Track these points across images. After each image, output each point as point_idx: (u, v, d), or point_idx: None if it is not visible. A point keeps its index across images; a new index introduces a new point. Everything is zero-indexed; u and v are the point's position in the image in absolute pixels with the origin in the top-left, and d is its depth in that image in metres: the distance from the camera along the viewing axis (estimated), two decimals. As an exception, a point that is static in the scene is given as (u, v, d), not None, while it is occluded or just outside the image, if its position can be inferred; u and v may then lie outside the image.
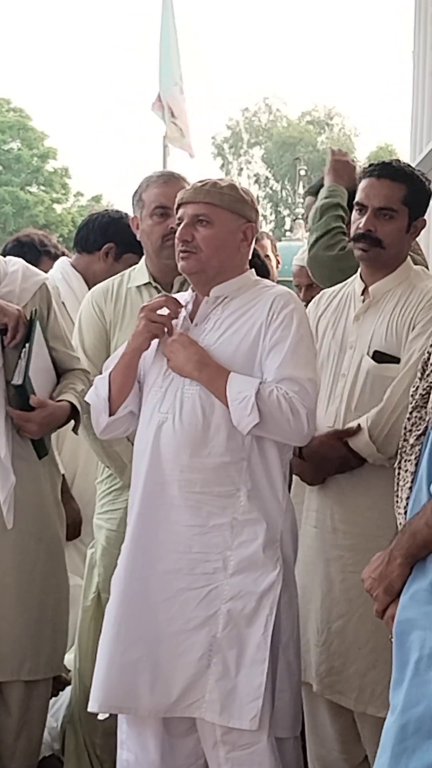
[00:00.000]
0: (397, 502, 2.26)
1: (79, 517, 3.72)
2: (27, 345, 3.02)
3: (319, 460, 2.97)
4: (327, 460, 2.98)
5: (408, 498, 2.21)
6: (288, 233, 24.99)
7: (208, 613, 2.64)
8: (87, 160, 63.47)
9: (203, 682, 2.62)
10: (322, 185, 3.73)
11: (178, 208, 2.80)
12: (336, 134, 48.61)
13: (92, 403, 2.84)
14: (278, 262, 5.01)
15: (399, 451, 2.29)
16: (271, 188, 47.99)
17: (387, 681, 2.89)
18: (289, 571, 2.73)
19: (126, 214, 3.69)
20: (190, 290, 2.86)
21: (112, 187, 51.31)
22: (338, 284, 3.28)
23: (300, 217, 21.97)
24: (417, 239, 3.29)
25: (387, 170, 3.04)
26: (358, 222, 3.05)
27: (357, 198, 3.08)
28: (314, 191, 3.79)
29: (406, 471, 2.24)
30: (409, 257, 3.14)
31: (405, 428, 2.27)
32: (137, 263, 3.53)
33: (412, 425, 2.25)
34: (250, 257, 2.87)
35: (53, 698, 3.50)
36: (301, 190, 25.61)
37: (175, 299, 2.81)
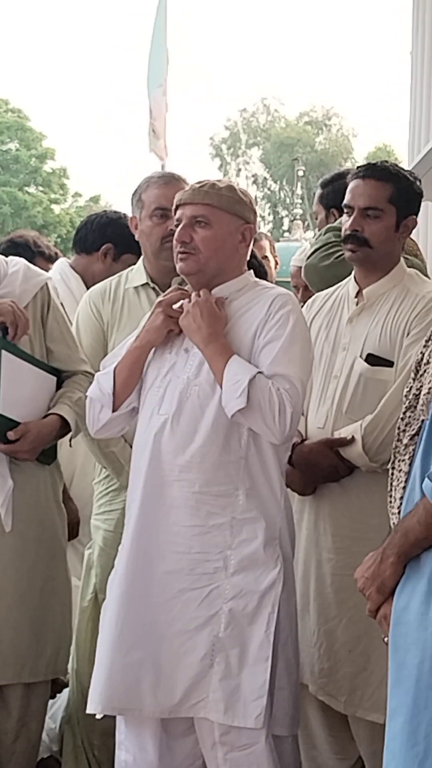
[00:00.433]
0: (391, 502, 2.26)
1: (77, 517, 3.72)
2: None
3: (309, 468, 2.97)
4: (317, 467, 2.98)
5: (402, 498, 2.21)
6: (286, 234, 25.02)
7: (210, 612, 2.64)
8: (85, 161, 63.51)
9: (206, 681, 2.63)
10: (334, 178, 3.71)
11: (176, 210, 2.80)
12: (334, 135, 48.62)
13: (95, 398, 2.82)
14: (276, 263, 5.02)
15: (393, 451, 2.29)
16: (269, 189, 48.00)
17: (377, 684, 2.91)
18: (288, 569, 2.73)
19: (125, 214, 3.70)
20: (186, 302, 2.85)
21: (111, 188, 51.37)
22: (330, 288, 3.29)
23: (298, 217, 21.98)
24: (416, 241, 3.29)
25: (372, 171, 3.07)
26: (346, 223, 3.07)
27: (344, 200, 3.10)
28: (323, 183, 3.81)
29: (400, 471, 2.24)
30: (402, 260, 3.14)
31: (399, 428, 2.27)
32: (136, 264, 3.53)
33: (406, 425, 2.25)
34: (248, 259, 2.87)
35: (51, 700, 3.50)
36: (299, 191, 25.62)
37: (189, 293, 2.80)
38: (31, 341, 3.14)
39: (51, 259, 4.12)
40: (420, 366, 2.29)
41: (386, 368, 2.96)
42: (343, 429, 2.97)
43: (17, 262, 3.19)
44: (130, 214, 3.51)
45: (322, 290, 3.37)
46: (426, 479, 2.07)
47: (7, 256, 3.23)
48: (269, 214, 47.03)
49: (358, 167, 3.16)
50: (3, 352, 3.00)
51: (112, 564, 2.83)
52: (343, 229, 3.09)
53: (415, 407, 2.25)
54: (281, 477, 2.75)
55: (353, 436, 2.93)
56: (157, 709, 2.66)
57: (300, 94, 67.64)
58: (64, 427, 3.13)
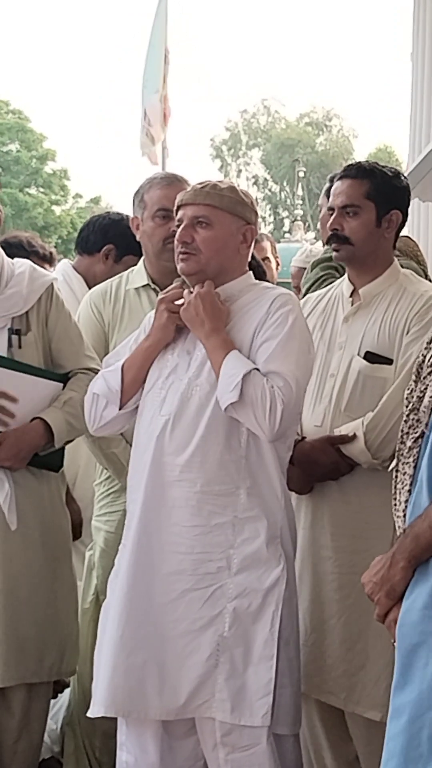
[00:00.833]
0: (395, 505, 2.25)
1: (79, 518, 3.73)
2: None
3: (309, 465, 2.97)
4: (318, 465, 2.98)
5: (407, 501, 2.21)
6: (287, 235, 25.01)
7: (214, 612, 2.64)
8: (86, 162, 63.54)
9: (212, 681, 2.62)
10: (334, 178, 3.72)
11: (177, 210, 2.80)
12: (335, 136, 48.64)
13: (101, 394, 2.81)
14: (278, 264, 5.02)
15: (396, 453, 2.29)
16: (269, 190, 48.02)
17: (376, 681, 2.92)
18: (290, 567, 2.73)
19: (127, 216, 3.70)
20: (186, 292, 2.86)
21: (111, 189, 51.35)
22: (323, 288, 3.30)
23: (299, 218, 21.99)
24: (417, 241, 3.30)
25: (347, 170, 3.12)
26: (328, 224, 3.11)
27: (328, 204, 3.14)
28: (331, 178, 3.73)
29: (405, 474, 2.24)
30: (396, 260, 3.15)
31: (402, 431, 2.27)
32: (137, 265, 3.53)
33: (409, 428, 2.25)
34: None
35: (52, 700, 3.50)
36: (299, 192, 25.64)
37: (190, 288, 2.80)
38: (36, 342, 3.14)
39: (46, 259, 4.12)
40: (422, 368, 2.28)
41: (385, 366, 2.97)
42: (343, 426, 2.98)
43: (23, 263, 3.19)
44: (131, 215, 3.51)
45: None
46: None
47: None
48: (270, 215, 47.06)
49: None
50: None
51: (113, 565, 2.83)
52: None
53: (418, 410, 2.24)
54: (282, 475, 2.75)
55: (355, 433, 2.93)
56: (163, 711, 2.65)
57: (300, 95, 67.80)
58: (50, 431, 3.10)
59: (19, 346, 3.08)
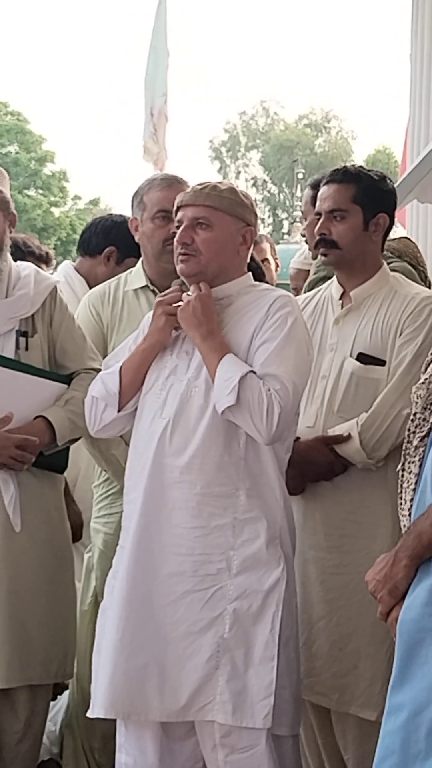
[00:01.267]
0: (401, 504, 2.25)
1: (80, 520, 3.73)
2: None
3: (304, 465, 2.97)
4: (313, 465, 2.99)
5: (412, 500, 2.21)
6: (286, 236, 25.01)
7: (214, 614, 2.64)
8: (85, 164, 63.57)
9: (213, 683, 2.62)
10: (320, 179, 3.69)
11: (177, 211, 2.80)
12: (333, 137, 48.68)
13: (99, 397, 2.81)
14: (277, 265, 5.02)
15: (402, 452, 2.29)
16: (268, 191, 48.05)
17: (368, 681, 2.92)
18: (290, 568, 2.73)
19: (129, 218, 3.70)
20: (185, 295, 2.86)
21: (111, 190, 51.35)
22: (311, 291, 3.31)
23: (298, 220, 21.98)
24: (416, 242, 3.30)
25: (333, 175, 3.13)
26: (316, 229, 3.12)
27: (315, 209, 3.15)
28: (314, 184, 3.75)
29: (410, 473, 2.23)
30: (385, 263, 3.16)
31: (408, 430, 2.28)
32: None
33: (416, 427, 2.25)
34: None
35: (51, 702, 3.50)
36: (299, 193, 25.63)
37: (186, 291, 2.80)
38: (42, 343, 3.16)
39: (42, 259, 4.12)
40: (429, 367, 2.29)
41: (378, 367, 2.99)
42: (337, 426, 2.99)
43: (27, 266, 3.23)
44: (130, 216, 3.51)
45: None
46: None
47: None
48: (269, 217, 47.08)
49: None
50: None
51: (111, 566, 2.83)
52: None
53: (425, 408, 2.25)
54: (281, 476, 2.75)
55: (350, 433, 2.94)
56: (164, 712, 2.65)
57: (299, 96, 67.85)
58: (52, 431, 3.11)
59: (26, 348, 3.11)
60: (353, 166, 3.19)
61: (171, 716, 2.65)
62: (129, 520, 2.76)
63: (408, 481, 2.23)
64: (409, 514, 2.20)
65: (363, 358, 3.01)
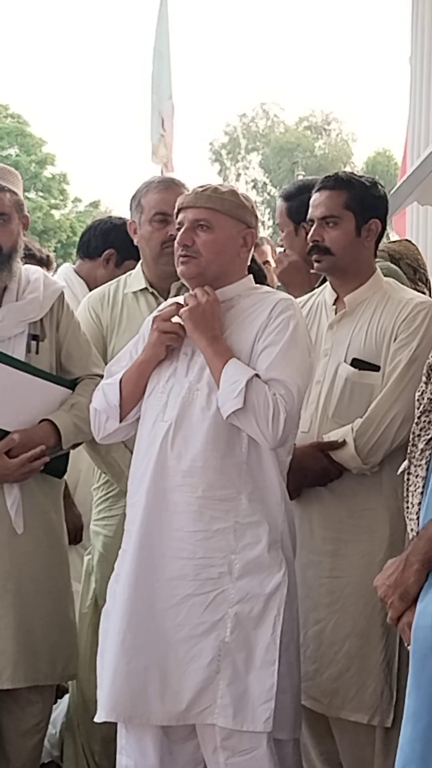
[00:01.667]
0: (408, 508, 2.24)
1: (80, 522, 3.74)
2: None
3: (299, 471, 2.97)
4: (308, 470, 2.99)
5: (420, 503, 2.19)
6: (286, 238, 24.97)
7: (216, 617, 2.64)
8: (85, 166, 63.60)
9: (214, 687, 2.62)
10: (301, 190, 3.62)
11: (178, 213, 2.80)
12: (333, 139, 48.68)
13: (101, 409, 2.82)
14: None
15: (408, 456, 2.28)
16: (269, 194, 48.03)
17: (361, 684, 2.92)
18: (291, 572, 2.73)
19: (128, 220, 3.70)
20: (183, 310, 2.85)
21: (111, 193, 51.37)
22: (305, 295, 3.31)
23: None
24: (416, 245, 3.30)
25: (325, 181, 3.14)
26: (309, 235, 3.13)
27: (308, 216, 3.16)
28: (287, 196, 3.69)
29: (417, 476, 2.22)
30: (378, 268, 3.16)
31: (413, 433, 2.27)
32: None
33: (421, 430, 2.24)
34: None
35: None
36: (299, 196, 25.54)
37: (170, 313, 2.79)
38: (51, 348, 3.18)
39: (43, 262, 4.12)
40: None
41: (373, 372, 3.00)
42: (332, 432, 3.00)
43: (36, 270, 3.25)
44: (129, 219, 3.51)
45: None
46: None
47: None
48: (269, 219, 47.03)
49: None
50: None
51: (112, 569, 2.82)
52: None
53: (430, 411, 2.24)
54: (282, 480, 2.75)
55: (344, 439, 2.95)
56: (165, 716, 2.65)
57: (299, 98, 67.83)
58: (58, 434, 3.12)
59: (37, 352, 3.13)
60: (345, 172, 3.20)
61: (172, 720, 2.65)
62: (131, 524, 2.76)
63: (415, 485, 2.22)
64: (417, 518, 2.19)
65: (357, 363, 3.02)
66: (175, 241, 2.78)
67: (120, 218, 4.06)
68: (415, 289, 3.35)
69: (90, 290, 3.85)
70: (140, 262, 3.50)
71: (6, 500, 3.06)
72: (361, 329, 3.04)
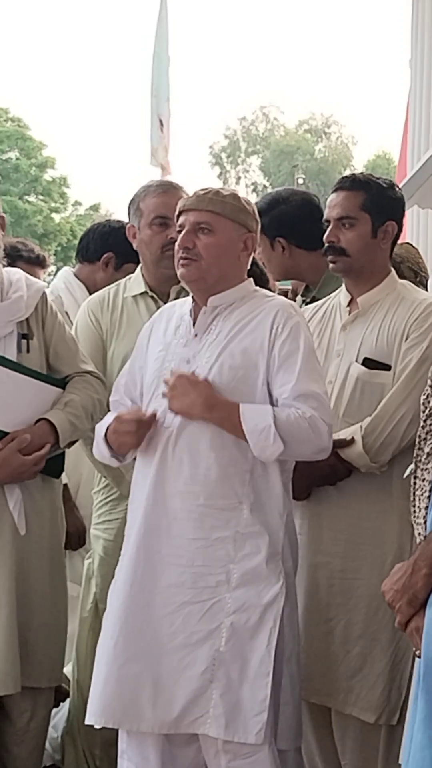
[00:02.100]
0: (415, 512, 2.23)
1: (82, 526, 3.73)
2: None
3: (307, 469, 2.97)
4: (316, 468, 2.98)
5: (427, 507, 2.18)
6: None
7: (211, 626, 2.63)
8: (85, 170, 63.60)
9: (207, 696, 2.61)
10: (271, 205, 3.59)
11: (179, 216, 2.79)
12: (333, 143, 48.72)
13: (101, 458, 2.86)
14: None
15: (414, 460, 2.28)
16: (269, 197, 48.06)
17: (371, 684, 2.93)
18: (291, 584, 2.73)
19: (127, 224, 3.70)
20: (190, 298, 2.86)
21: (111, 196, 51.38)
22: (321, 300, 3.32)
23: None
24: (417, 247, 3.30)
25: (342, 182, 3.14)
26: (325, 236, 3.13)
27: (324, 217, 3.16)
28: (259, 212, 3.62)
29: (423, 480, 2.21)
30: (393, 270, 3.17)
31: (419, 437, 2.26)
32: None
33: (427, 433, 2.23)
34: (250, 267, 2.87)
35: (54, 708, 3.50)
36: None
37: (131, 417, 2.74)
38: (40, 346, 3.16)
39: (33, 262, 4.12)
40: None
41: (384, 372, 2.99)
42: (341, 431, 2.99)
43: (16, 272, 3.22)
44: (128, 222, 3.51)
45: None
46: None
47: None
48: (269, 222, 47.00)
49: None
50: None
51: (112, 573, 2.82)
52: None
53: None
54: (286, 492, 2.73)
55: (353, 437, 2.94)
56: (156, 723, 2.64)
57: (299, 101, 67.90)
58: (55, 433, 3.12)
59: (28, 351, 3.11)
60: (362, 173, 3.19)
61: (163, 727, 2.64)
62: (131, 529, 2.76)
63: (421, 489, 2.21)
64: (424, 522, 2.17)
65: (369, 362, 3.02)
66: (176, 244, 2.77)
67: (119, 221, 4.06)
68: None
69: (90, 294, 3.85)
70: (140, 265, 3.50)
71: (8, 502, 3.06)
72: (374, 329, 3.04)
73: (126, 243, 3.54)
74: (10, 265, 3.42)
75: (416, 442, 2.26)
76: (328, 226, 3.12)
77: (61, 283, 4.08)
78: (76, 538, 3.73)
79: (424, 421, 2.25)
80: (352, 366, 3.04)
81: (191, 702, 2.61)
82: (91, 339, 3.43)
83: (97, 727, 2.71)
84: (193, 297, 2.83)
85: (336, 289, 3.32)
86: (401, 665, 2.94)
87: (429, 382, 2.29)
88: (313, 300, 3.57)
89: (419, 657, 2.09)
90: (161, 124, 11.55)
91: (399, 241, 3.25)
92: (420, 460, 2.23)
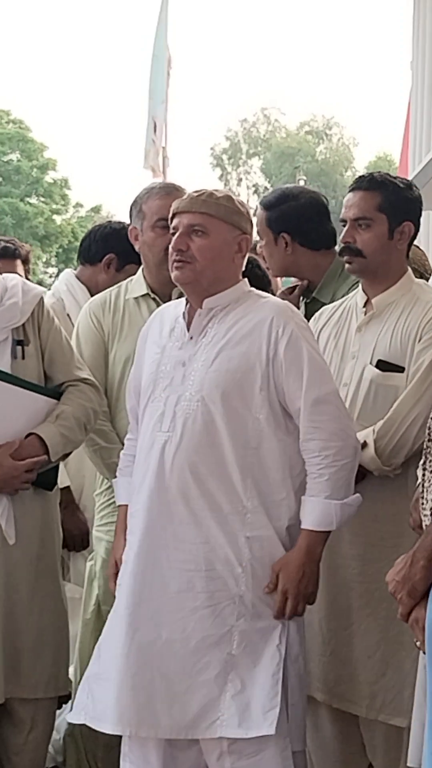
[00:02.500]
0: (422, 504, 2.24)
1: (86, 528, 3.73)
2: None
3: None
4: None
5: None
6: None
7: (222, 630, 2.63)
8: (86, 171, 63.65)
9: (220, 700, 2.61)
10: (280, 199, 3.59)
11: (172, 218, 2.78)
12: (335, 144, 48.71)
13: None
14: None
15: (423, 451, 2.28)
16: (270, 198, 48.05)
17: (398, 689, 2.90)
18: None
19: (128, 225, 3.71)
20: (184, 300, 2.86)
21: (112, 198, 51.37)
22: (339, 300, 3.30)
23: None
24: (422, 248, 3.28)
25: (359, 182, 3.11)
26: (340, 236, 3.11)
27: (340, 216, 3.14)
28: (267, 205, 3.61)
29: (431, 472, 2.22)
30: (410, 269, 3.15)
31: (429, 428, 2.26)
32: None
33: None
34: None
35: (57, 711, 3.49)
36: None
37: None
38: (36, 352, 3.14)
39: (8, 255, 4.12)
40: None
41: (397, 374, 2.97)
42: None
43: (13, 278, 3.20)
44: (129, 223, 3.51)
45: None
46: None
47: None
48: (270, 224, 46.98)
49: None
50: None
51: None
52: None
53: None
54: (294, 494, 2.71)
55: (365, 441, 2.91)
56: (173, 729, 2.63)
57: (300, 103, 67.88)
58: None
59: (23, 357, 3.09)
60: (379, 173, 3.16)
61: (181, 732, 2.63)
62: (132, 535, 2.75)
63: (429, 481, 2.22)
64: (431, 514, 2.18)
65: (382, 365, 2.99)
66: (170, 246, 2.77)
67: (119, 223, 4.06)
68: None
69: (92, 296, 3.85)
70: (141, 267, 3.50)
71: None
72: (388, 331, 3.02)
73: (127, 244, 3.53)
74: None
75: (426, 435, 2.27)
76: (344, 226, 3.10)
77: (62, 285, 4.07)
78: (80, 540, 3.72)
79: None
80: (366, 369, 3.01)
81: (205, 707, 2.61)
82: (92, 341, 3.43)
83: (113, 734, 2.70)
84: (187, 299, 2.82)
85: (336, 290, 3.32)
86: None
87: None
88: (314, 301, 3.56)
89: (419, 649, 2.10)
90: (155, 127, 11.53)
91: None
92: (429, 452, 2.24)
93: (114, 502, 3.42)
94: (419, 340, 2.96)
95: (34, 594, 3.09)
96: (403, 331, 2.99)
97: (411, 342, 2.97)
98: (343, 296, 3.34)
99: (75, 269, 4.20)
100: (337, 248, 3.40)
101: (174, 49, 12.09)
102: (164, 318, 2.88)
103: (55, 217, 36.94)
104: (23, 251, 4.24)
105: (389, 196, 3.05)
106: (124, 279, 3.61)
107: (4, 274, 3.22)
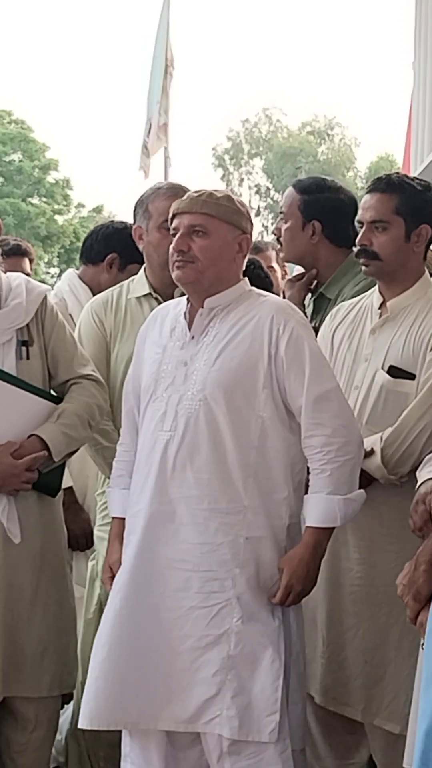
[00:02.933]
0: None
1: (90, 528, 3.73)
2: None
3: None
4: None
5: None
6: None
7: (220, 631, 2.64)
8: (88, 171, 63.59)
9: (220, 698, 2.62)
10: (321, 188, 3.58)
11: (172, 219, 2.79)
12: (336, 144, 48.66)
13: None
14: (285, 273, 5.00)
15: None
16: (272, 199, 48.00)
17: (394, 694, 2.90)
18: None
19: (130, 224, 3.71)
20: (184, 300, 2.86)
21: (114, 198, 51.39)
22: (355, 298, 3.28)
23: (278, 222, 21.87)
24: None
25: (377, 183, 3.08)
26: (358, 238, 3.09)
27: (357, 217, 3.12)
28: (304, 189, 3.58)
29: None
30: (427, 272, 3.13)
31: None
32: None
33: None
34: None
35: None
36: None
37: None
38: (41, 352, 3.14)
39: (9, 252, 4.13)
40: None
41: (408, 381, 2.95)
42: (363, 440, 2.96)
43: (17, 276, 3.21)
44: (131, 223, 3.51)
45: None
46: None
47: None
48: (272, 224, 47.01)
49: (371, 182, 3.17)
50: None
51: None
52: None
53: None
54: (294, 494, 2.72)
55: (372, 448, 2.90)
56: (172, 722, 2.64)
57: (302, 103, 67.81)
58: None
59: (27, 357, 3.09)
60: (397, 174, 3.13)
61: (180, 725, 2.65)
62: (132, 534, 2.75)
63: None
64: None
65: (393, 371, 2.97)
66: (170, 247, 2.76)
67: (121, 222, 4.07)
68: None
69: (94, 296, 3.85)
70: (143, 267, 3.50)
71: None
72: (401, 335, 3.00)
73: (130, 243, 3.54)
74: None
75: None
76: (361, 228, 3.08)
77: (65, 285, 4.08)
78: (83, 540, 3.73)
79: None
80: (377, 373, 3.00)
81: (205, 703, 2.62)
82: (94, 341, 3.43)
83: (113, 729, 2.70)
84: (188, 298, 2.82)
85: (343, 287, 3.30)
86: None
87: None
88: (321, 297, 3.55)
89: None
90: (150, 128, 11.53)
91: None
92: None
93: (115, 502, 3.44)
94: (431, 349, 2.93)
95: (38, 593, 3.10)
96: (416, 337, 2.97)
97: (423, 349, 2.94)
98: (352, 294, 3.32)
99: (77, 269, 4.20)
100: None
101: (176, 50, 12.09)
102: (163, 318, 2.88)
103: (57, 217, 36.92)
104: (29, 249, 4.28)
105: (406, 199, 3.02)
106: (127, 278, 3.61)
107: (9, 273, 3.22)
